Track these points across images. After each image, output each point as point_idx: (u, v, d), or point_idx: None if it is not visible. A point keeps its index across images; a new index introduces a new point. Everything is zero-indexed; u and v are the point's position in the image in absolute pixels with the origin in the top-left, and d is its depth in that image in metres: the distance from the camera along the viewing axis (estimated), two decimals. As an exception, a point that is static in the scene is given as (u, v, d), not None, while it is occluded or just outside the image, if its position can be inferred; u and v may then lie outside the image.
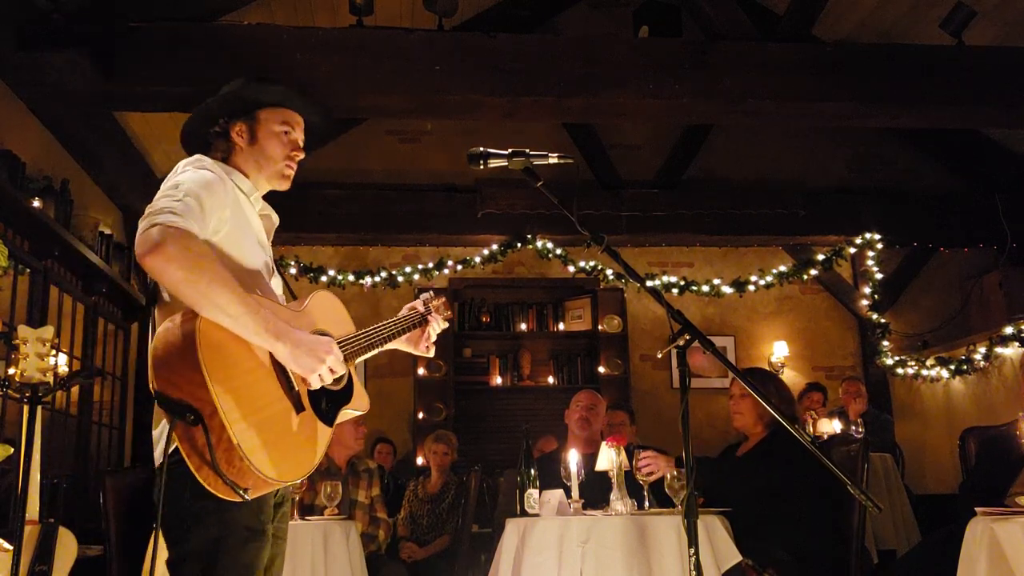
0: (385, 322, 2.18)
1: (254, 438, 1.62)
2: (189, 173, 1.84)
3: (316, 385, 1.78)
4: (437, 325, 2.30)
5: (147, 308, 1.86)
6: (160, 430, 1.79)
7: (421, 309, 2.29)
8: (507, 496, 4.21)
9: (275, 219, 2.09)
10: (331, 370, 1.78)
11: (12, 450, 2.84)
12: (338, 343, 1.89)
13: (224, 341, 1.66)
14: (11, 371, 2.72)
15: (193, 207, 1.74)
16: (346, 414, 1.95)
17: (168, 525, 1.72)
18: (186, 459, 1.62)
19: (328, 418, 1.86)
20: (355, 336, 2.03)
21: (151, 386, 1.66)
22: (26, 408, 2.70)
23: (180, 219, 1.69)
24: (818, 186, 7.38)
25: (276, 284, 2.01)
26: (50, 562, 2.79)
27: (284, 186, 2.06)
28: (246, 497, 1.63)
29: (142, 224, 1.71)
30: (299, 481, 1.81)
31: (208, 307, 1.64)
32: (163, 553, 1.77)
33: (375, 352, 2.10)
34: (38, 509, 2.86)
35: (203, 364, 1.59)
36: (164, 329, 1.68)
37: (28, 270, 4.31)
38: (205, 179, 1.83)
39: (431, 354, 2.33)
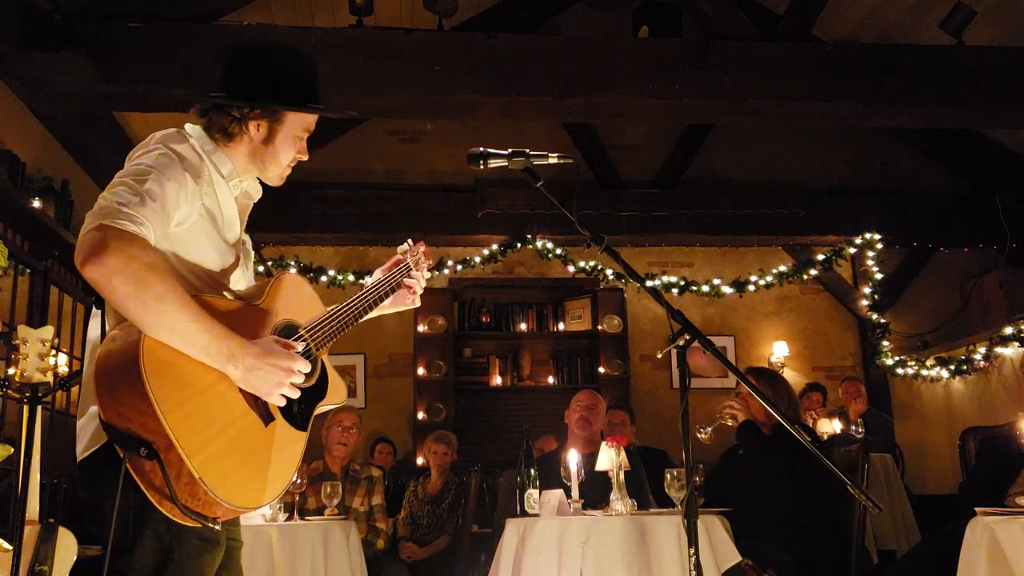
0: (362, 292, 1.99)
1: (218, 467, 1.46)
2: (159, 155, 1.62)
3: (281, 403, 1.61)
4: (423, 277, 2.15)
5: (98, 307, 1.64)
6: (85, 420, 1.58)
7: (408, 260, 2.13)
8: (507, 496, 4.21)
9: (254, 194, 1.88)
10: (297, 380, 1.61)
11: (12, 450, 2.84)
12: (307, 330, 1.73)
13: (174, 358, 1.48)
14: (11, 371, 2.72)
15: (154, 204, 1.53)
16: (322, 410, 1.79)
17: (108, 530, 1.51)
18: (146, 492, 1.46)
19: (302, 422, 1.69)
20: (325, 319, 1.82)
21: (99, 415, 1.47)
22: (26, 408, 2.70)
23: (130, 222, 1.48)
24: (818, 186, 7.39)
25: (241, 274, 1.84)
26: (50, 562, 2.78)
27: (278, 183, 1.88)
28: (217, 527, 1.49)
29: (89, 220, 1.50)
30: (275, 500, 1.65)
31: (155, 325, 1.45)
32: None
33: (354, 326, 1.91)
34: (38, 509, 2.86)
35: (151, 392, 1.40)
36: (105, 346, 1.49)
37: (28, 270, 4.31)
38: (175, 165, 1.61)
39: (417, 304, 2.16)
